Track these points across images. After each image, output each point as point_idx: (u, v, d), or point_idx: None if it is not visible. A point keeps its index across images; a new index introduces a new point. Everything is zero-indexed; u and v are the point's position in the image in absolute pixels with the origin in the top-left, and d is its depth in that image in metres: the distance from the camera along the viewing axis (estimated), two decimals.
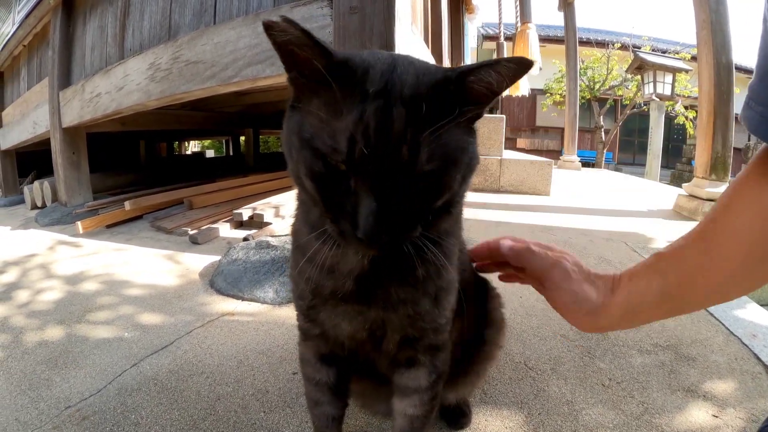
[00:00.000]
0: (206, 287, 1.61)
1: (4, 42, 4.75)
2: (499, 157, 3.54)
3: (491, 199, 3.23)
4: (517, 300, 1.40)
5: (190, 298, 1.52)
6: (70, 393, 1.02)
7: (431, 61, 2.71)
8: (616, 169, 10.05)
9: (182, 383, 1.02)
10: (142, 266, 1.91)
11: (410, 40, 1.96)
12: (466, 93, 0.41)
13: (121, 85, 2.55)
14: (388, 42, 1.52)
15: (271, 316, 1.37)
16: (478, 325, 0.79)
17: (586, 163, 7.87)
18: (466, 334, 0.75)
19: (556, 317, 1.24)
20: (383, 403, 0.71)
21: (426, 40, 3.01)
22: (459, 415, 0.86)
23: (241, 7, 2.02)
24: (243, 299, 1.48)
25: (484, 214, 2.67)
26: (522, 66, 0.39)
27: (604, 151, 10.06)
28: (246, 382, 1.02)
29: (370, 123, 0.37)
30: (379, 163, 0.37)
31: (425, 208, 0.42)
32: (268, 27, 0.38)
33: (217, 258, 1.85)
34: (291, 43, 0.39)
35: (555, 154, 6.81)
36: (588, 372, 1.04)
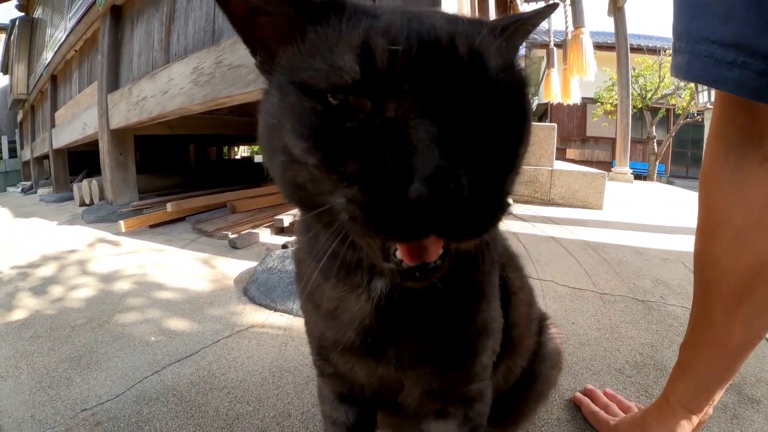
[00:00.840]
0: (239, 295, 1.58)
1: (57, 47, 5.05)
2: (550, 168, 3.35)
3: (540, 212, 3.07)
4: (569, 326, 1.27)
5: (221, 305, 1.49)
6: (88, 395, 1.00)
7: None
8: (669, 182, 9.50)
9: (202, 397, 0.97)
10: (177, 268, 1.91)
11: None
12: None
13: (166, 89, 2.60)
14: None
15: (302, 331, 1.29)
16: (530, 359, 0.68)
17: (637, 176, 7.46)
18: (514, 373, 0.65)
19: (611, 347, 1.12)
20: None
21: None
22: None
23: None
24: (275, 310, 1.43)
25: (533, 228, 2.52)
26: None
27: (657, 162, 9.55)
28: (268, 402, 0.95)
29: (395, 22, 0.24)
30: (427, 61, 0.23)
31: (510, 158, 0.27)
32: None
33: (254, 264, 1.81)
34: (256, 10, 0.28)
35: (605, 165, 6.49)
36: None
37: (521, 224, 2.59)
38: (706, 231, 0.51)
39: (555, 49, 4.62)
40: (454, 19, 0.26)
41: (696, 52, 0.30)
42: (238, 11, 0.29)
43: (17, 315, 1.48)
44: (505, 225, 0.31)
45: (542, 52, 9.30)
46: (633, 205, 3.79)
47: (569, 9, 3.50)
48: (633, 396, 0.96)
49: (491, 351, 0.48)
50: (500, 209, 0.25)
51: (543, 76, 4.82)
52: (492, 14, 3.37)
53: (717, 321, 0.50)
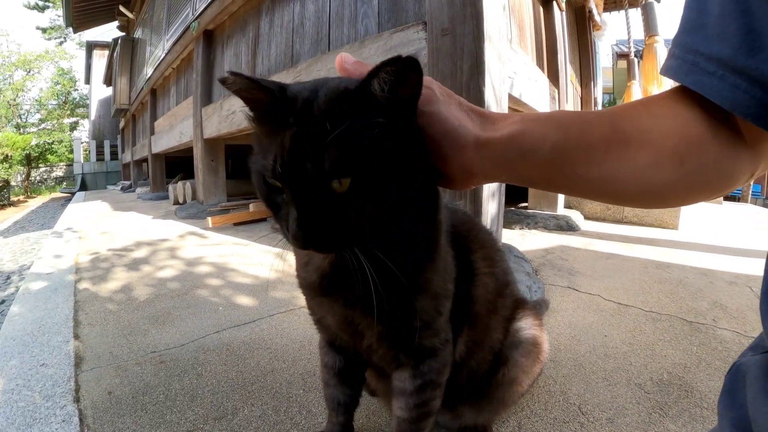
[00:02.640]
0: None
1: (156, 64, 5.78)
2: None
3: (611, 230, 2.95)
4: (599, 338, 1.28)
5: (284, 289, 1.72)
6: (159, 343, 1.27)
7: (539, 77, 2.67)
8: (765, 205, 8.46)
9: (249, 353, 1.19)
10: (253, 259, 2.21)
11: (510, 58, 1.94)
12: (375, 102, 0.41)
13: None
14: (478, 59, 1.56)
15: None
16: (499, 344, 0.76)
17: (729, 197, 6.78)
18: (482, 351, 0.73)
19: (638, 363, 1.13)
20: None
21: (540, 60, 2.94)
22: None
23: (350, 35, 2.23)
24: None
25: (598, 245, 2.47)
26: (399, 64, 0.38)
27: (751, 183, 8.53)
28: (300, 363, 1.14)
29: (285, 143, 0.41)
30: (293, 177, 0.41)
31: (356, 213, 0.43)
32: (223, 81, 0.43)
33: None
34: (242, 90, 0.44)
35: None
36: (650, 430, 0.89)
37: (587, 240, 2.57)
38: None
39: (636, 59, 4.40)
40: (318, 144, 0.41)
41: (686, 59, 0.37)
42: (233, 90, 0.46)
43: (111, 285, 1.85)
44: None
45: (624, 63, 8.79)
46: (715, 227, 3.49)
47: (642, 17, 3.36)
48: (645, 413, 0.95)
49: (434, 312, 0.58)
50: (334, 244, 0.45)
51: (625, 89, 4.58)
52: (565, 29, 3.33)
53: None
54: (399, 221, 0.47)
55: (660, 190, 0.42)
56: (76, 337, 1.33)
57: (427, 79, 0.45)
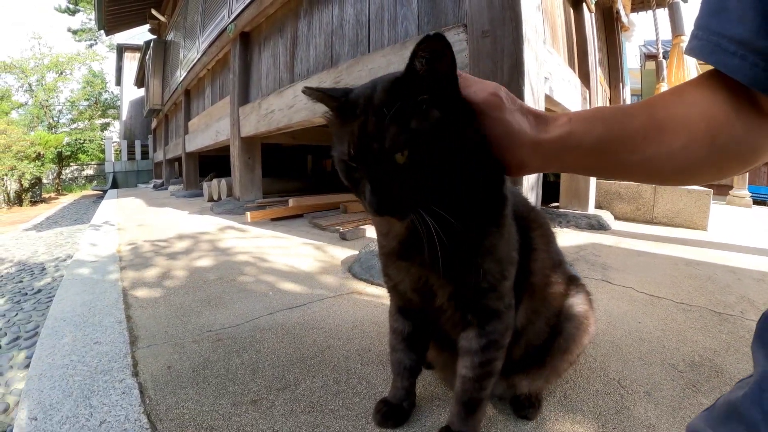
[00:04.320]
0: (344, 272, 1.90)
1: (190, 66, 5.95)
2: (653, 185, 3.27)
3: (641, 230, 2.97)
4: (635, 324, 1.34)
5: (328, 277, 1.82)
6: (214, 323, 1.34)
7: (572, 78, 2.73)
8: None
9: (304, 332, 1.27)
10: (294, 251, 2.32)
11: (545, 59, 2.01)
12: (420, 79, 0.50)
13: (291, 104, 3.08)
14: (518, 60, 1.63)
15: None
16: (556, 317, 0.83)
17: (758, 201, 6.64)
18: (540, 321, 0.80)
19: (671, 347, 1.22)
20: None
21: (571, 61, 2.99)
22: (528, 406, 0.86)
23: (390, 37, 2.32)
24: (372, 283, 1.72)
25: (629, 243, 2.51)
26: (430, 41, 0.47)
27: None
28: (355, 341, 1.21)
29: (355, 131, 0.52)
30: (363, 156, 0.51)
31: (417, 180, 0.51)
32: (304, 92, 0.58)
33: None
34: (318, 99, 0.58)
35: (723, 188, 5.88)
36: (684, 404, 0.96)
37: (617, 239, 2.61)
38: None
39: (663, 61, 4.39)
40: (379, 127, 0.51)
41: (709, 40, 0.40)
42: (312, 98, 0.59)
43: (156, 272, 1.95)
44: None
45: (652, 64, 8.71)
46: (744, 229, 3.48)
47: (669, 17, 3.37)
48: (679, 389, 1.01)
49: (500, 275, 0.64)
50: (405, 210, 0.53)
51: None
52: (594, 29, 3.37)
53: None
54: (459, 184, 0.55)
55: (694, 169, 0.47)
56: (128, 318, 1.38)
57: (494, 85, 0.54)
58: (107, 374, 1.01)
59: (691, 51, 0.44)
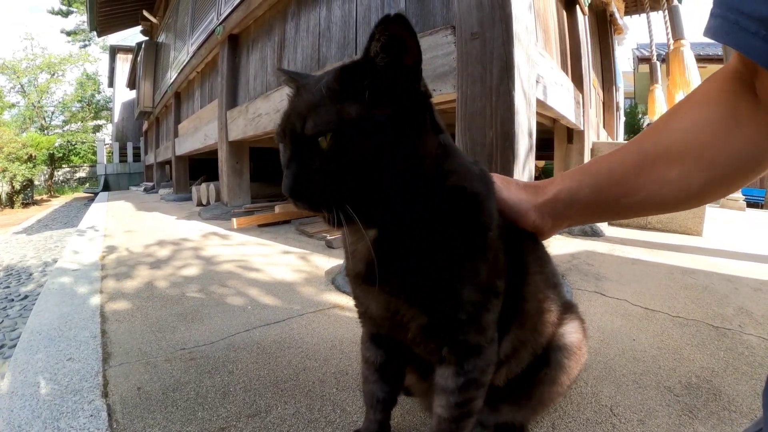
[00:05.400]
0: (327, 284, 1.83)
1: (180, 68, 5.89)
2: None
3: (635, 236, 2.93)
4: (629, 342, 1.28)
5: (311, 289, 1.76)
6: (188, 339, 1.29)
7: (565, 82, 2.67)
8: None
9: (280, 351, 1.21)
10: (278, 259, 2.25)
11: (537, 61, 1.96)
12: (374, 68, 0.47)
13: (279, 108, 3.02)
14: (508, 62, 1.57)
15: None
16: (545, 346, 0.75)
17: (752, 203, 6.64)
18: (527, 350, 0.72)
19: (667, 366, 1.15)
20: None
21: (564, 65, 2.94)
22: None
23: None
24: None
25: (623, 251, 2.47)
26: (389, 22, 0.44)
27: None
28: (332, 362, 1.15)
29: (286, 110, 0.51)
30: (287, 135, 0.50)
31: (340, 170, 0.47)
32: (276, 73, 0.56)
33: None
34: (285, 82, 0.57)
35: None
36: None
37: (610, 246, 2.56)
38: None
39: (658, 63, 4.36)
40: (309, 107, 0.49)
41: (728, 18, 0.37)
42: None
43: (137, 282, 1.90)
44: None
45: (646, 67, 8.71)
46: (739, 233, 3.45)
47: (668, 20, 3.33)
48: (675, 415, 0.95)
49: (481, 306, 0.57)
50: (320, 199, 0.49)
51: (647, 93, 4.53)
52: (588, 32, 3.33)
53: None
54: (410, 192, 0.50)
55: (699, 193, 0.45)
56: (104, 333, 1.34)
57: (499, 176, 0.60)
58: (77, 394, 0.98)
59: (708, 31, 0.41)
